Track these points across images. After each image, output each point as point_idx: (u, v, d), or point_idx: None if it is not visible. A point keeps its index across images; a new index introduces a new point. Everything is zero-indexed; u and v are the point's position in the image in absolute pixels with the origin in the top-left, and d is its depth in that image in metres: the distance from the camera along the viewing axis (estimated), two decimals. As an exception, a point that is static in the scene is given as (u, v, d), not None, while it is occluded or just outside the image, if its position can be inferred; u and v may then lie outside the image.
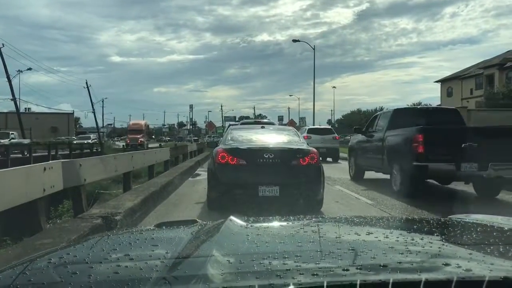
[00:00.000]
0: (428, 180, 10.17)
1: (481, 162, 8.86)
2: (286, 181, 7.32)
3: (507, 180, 9.33)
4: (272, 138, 8.50)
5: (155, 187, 9.17)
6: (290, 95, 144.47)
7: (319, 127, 24.78)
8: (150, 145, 46.09)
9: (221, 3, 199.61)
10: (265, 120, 20.11)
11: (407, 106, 18.66)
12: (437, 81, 53.98)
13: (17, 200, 4.46)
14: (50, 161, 5.77)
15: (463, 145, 8.88)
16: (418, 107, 18.68)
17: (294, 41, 44.32)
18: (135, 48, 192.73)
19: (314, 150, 7.87)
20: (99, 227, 5.13)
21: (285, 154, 7.54)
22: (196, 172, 16.33)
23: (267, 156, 7.39)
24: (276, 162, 7.37)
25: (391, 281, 0.90)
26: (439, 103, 52.14)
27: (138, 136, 51.53)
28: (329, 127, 24.65)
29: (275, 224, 1.69)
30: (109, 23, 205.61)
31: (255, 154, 7.46)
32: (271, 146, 7.79)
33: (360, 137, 13.05)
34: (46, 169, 5.12)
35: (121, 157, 9.63)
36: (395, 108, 12.58)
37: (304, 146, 7.98)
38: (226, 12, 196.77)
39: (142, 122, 59.49)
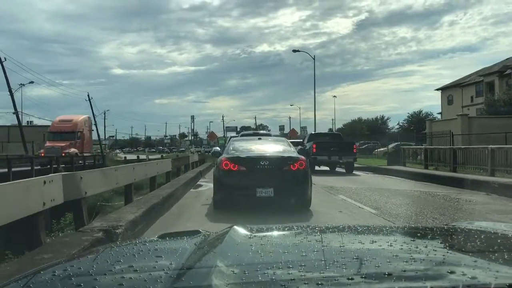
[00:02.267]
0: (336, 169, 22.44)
1: (339, 156, 20.81)
2: (279, 183, 8.49)
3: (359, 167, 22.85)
4: (267, 147, 9.76)
5: (157, 199, 9.08)
6: (291, 105, 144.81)
7: (293, 140, 28.65)
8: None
9: (221, 15, 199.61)
10: (262, 132, 25.48)
11: (318, 132, 30.91)
12: (437, 89, 54.01)
13: (16, 214, 4.38)
14: (50, 174, 5.70)
15: (331, 149, 20.83)
16: (322, 132, 32.03)
17: (294, 51, 44.36)
18: (136, 61, 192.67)
19: (303, 157, 9.14)
20: (100, 240, 5.05)
21: (279, 161, 8.81)
22: (198, 183, 16.24)
23: (263, 163, 8.65)
24: (271, 168, 8.62)
25: None
26: (440, 111, 52.23)
27: (64, 144, 30.25)
28: (301, 140, 28.84)
29: (279, 233, 1.69)
30: (110, 36, 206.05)
31: (253, 161, 8.74)
32: (267, 154, 9.05)
33: (300, 147, 21.19)
34: (46, 183, 5.05)
35: (122, 169, 9.57)
36: (311, 133, 26.68)
37: (295, 154, 9.24)
38: (226, 24, 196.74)
39: (78, 119, 35.10)
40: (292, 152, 9.41)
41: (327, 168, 22.08)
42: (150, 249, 1.44)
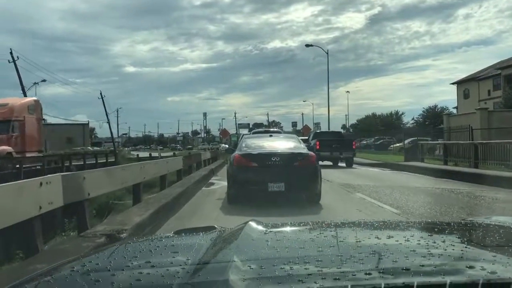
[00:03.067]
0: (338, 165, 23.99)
1: (340, 151, 23.47)
2: (290, 178, 8.74)
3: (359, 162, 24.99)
4: (278, 144, 10.02)
5: (167, 198, 8.71)
6: (304, 101, 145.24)
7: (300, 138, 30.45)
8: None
9: (233, 11, 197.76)
10: (272, 129, 26.42)
11: (322, 131, 34.49)
12: (453, 83, 52.86)
13: (6, 221, 3.97)
14: (48, 175, 5.30)
15: (333, 145, 23.45)
16: (325, 131, 34.29)
17: (307, 46, 43.95)
18: (148, 58, 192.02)
19: (312, 153, 9.57)
20: (102, 247, 4.66)
21: (289, 157, 9.14)
22: (210, 181, 15.85)
23: (274, 159, 8.99)
24: (281, 163, 8.94)
25: (415, 284, 0.89)
26: (456, 105, 51.21)
27: None
28: (306, 138, 30.04)
29: (294, 229, 1.69)
30: (122, 34, 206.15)
31: (265, 157, 9.08)
32: (278, 151, 9.35)
33: (306, 143, 23.58)
34: (42, 184, 4.65)
35: (129, 168, 9.18)
36: (315, 132, 31.25)
37: (304, 151, 9.58)
38: (238, 20, 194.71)
39: (17, 103, 22.80)
40: (302, 148, 9.77)
41: (330, 163, 23.62)
42: (167, 245, 1.47)
